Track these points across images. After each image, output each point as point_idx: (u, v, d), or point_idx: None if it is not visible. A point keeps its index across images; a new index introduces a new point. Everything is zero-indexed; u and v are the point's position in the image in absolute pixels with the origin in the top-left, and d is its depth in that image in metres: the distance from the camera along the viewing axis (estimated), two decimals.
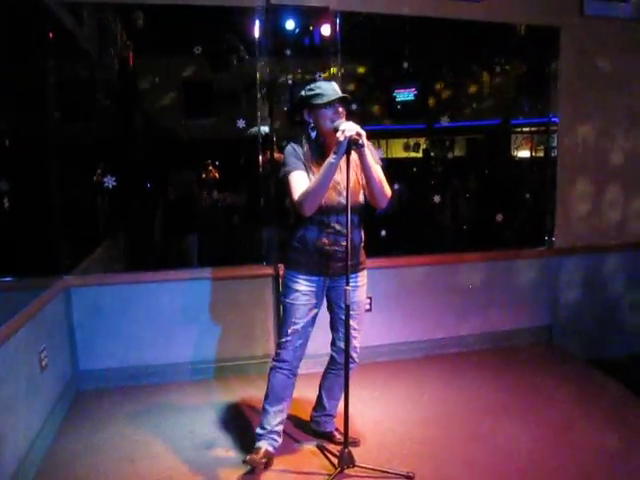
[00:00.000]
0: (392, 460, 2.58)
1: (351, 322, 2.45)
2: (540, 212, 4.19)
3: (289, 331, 2.46)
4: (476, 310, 4.07)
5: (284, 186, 2.40)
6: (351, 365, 2.51)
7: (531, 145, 4.50)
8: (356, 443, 2.69)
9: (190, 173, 3.93)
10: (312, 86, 2.38)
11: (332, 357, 2.67)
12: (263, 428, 2.52)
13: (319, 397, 2.77)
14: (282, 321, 2.53)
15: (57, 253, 3.30)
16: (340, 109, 2.34)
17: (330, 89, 2.34)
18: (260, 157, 3.53)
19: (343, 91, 2.39)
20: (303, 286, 2.44)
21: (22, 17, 3.00)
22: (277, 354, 2.53)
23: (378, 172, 2.35)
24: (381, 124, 4.39)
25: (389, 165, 4.31)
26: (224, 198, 4.11)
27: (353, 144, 2.20)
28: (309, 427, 2.85)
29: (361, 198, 2.42)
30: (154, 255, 3.77)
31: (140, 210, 3.73)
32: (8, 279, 2.85)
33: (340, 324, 2.53)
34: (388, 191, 2.39)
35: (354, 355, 2.56)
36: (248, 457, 2.46)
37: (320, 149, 2.39)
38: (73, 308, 3.37)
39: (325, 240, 2.39)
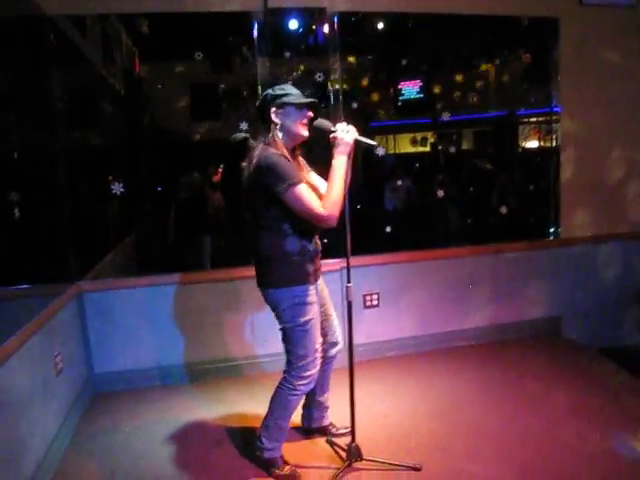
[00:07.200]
0: (400, 453, 2.62)
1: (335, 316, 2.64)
2: (546, 202, 4.18)
3: (316, 348, 2.40)
4: (483, 303, 4.09)
5: (277, 201, 2.20)
6: (335, 351, 2.67)
7: (539, 135, 4.48)
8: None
9: (198, 176, 3.97)
10: (282, 86, 2.32)
11: None
12: (278, 441, 2.51)
13: (311, 395, 2.72)
14: (300, 344, 2.36)
15: (69, 260, 3.37)
16: (310, 113, 2.31)
17: (298, 94, 2.31)
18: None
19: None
20: (314, 296, 2.38)
21: (27, 31, 3.07)
22: (304, 377, 2.39)
23: None
24: (387, 120, 4.42)
25: (398, 160, 4.41)
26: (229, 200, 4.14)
27: (374, 147, 2.25)
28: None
29: None
30: (164, 259, 3.83)
31: (149, 215, 3.80)
32: (22, 287, 2.93)
33: (326, 321, 2.58)
34: None
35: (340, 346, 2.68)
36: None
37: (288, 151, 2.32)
38: (86, 313, 3.46)
39: (316, 245, 2.41)
